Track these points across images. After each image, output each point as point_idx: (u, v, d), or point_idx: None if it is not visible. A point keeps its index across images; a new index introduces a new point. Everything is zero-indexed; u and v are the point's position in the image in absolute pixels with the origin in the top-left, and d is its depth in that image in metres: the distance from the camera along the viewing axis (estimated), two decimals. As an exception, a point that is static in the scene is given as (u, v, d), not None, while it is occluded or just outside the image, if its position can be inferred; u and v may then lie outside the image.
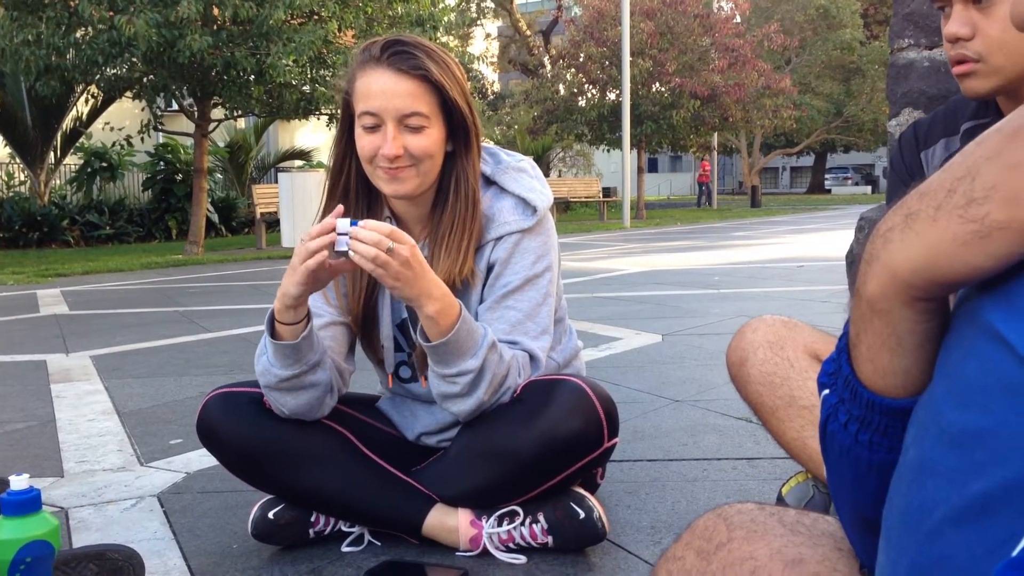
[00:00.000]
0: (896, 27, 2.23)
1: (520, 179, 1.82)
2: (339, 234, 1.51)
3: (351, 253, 1.50)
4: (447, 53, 1.73)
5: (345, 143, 1.76)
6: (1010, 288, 0.51)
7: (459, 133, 1.74)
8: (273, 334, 1.66)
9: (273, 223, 14.02)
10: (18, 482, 1.42)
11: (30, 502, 1.42)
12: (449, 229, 1.75)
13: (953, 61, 1.48)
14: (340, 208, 1.57)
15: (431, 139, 1.68)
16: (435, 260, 1.75)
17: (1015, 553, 0.44)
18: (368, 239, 1.50)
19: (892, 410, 0.61)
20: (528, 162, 1.88)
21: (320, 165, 18.70)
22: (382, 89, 1.65)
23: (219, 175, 19.02)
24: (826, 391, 0.67)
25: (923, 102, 2.21)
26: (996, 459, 0.48)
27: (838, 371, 0.65)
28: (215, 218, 16.81)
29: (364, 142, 1.69)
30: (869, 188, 43.94)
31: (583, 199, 22.15)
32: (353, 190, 1.80)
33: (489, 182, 1.83)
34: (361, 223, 1.52)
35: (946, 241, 0.52)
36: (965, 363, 0.53)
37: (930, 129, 1.68)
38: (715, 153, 28.98)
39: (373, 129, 1.67)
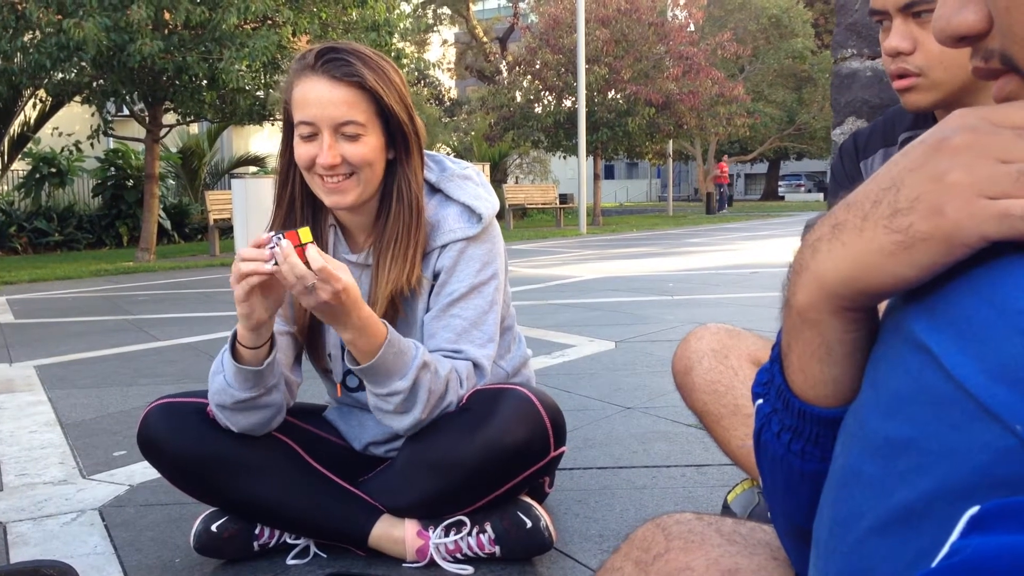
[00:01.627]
0: (839, 37, 2.25)
1: (465, 186, 1.81)
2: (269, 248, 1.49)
3: (276, 263, 1.48)
4: (385, 59, 1.71)
5: (289, 153, 1.74)
6: (934, 299, 0.51)
7: (399, 140, 1.72)
8: (235, 355, 1.63)
9: (227, 229, 13.85)
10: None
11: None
12: (394, 238, 1.73)
13: (893, 75, 1.47)
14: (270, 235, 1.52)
15: (368, 147, 1.66)
16: (381, 269, 1.73)
17: (934, 564, 0.43)
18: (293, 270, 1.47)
19: (823, 420, 0.61)
20: (473, 169, 1.87)
21: (275, 171, 18.54)
22: (317, 98, 1.63)
23: (171, 181, 18.73)
24: (760, 400, 0.67)
25: (866, 111, 2.23)
26: (919, 469, 0.48)
27: (771, 381, 0.65)
28: (167, 224, 16.58)
29: (301, 151, 1.67)
30: (822, 195, 44.59)
31: (540, 206, 22.19)
32: (299, 199, 1.78)
33: (434, 190, 1.81)
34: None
35: (872, 251, 0.52)
36: (891, 373, 0.53)
37: (870, 139, 1.70)
38: (671, 160, 29.17)
39: (310, 138, 1.65)
